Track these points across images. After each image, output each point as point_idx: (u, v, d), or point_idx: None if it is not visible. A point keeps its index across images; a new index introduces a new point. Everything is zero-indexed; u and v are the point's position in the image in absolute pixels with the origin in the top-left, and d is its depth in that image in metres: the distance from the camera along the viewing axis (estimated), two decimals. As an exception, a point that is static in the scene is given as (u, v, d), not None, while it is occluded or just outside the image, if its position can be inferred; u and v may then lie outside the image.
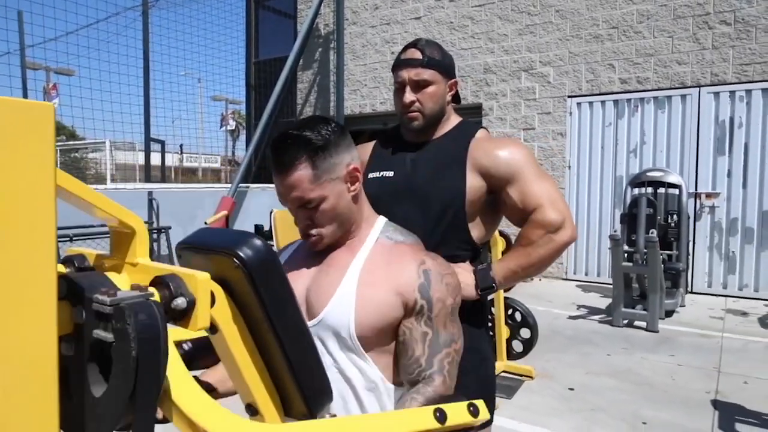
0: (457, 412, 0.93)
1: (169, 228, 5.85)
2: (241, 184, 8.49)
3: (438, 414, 0.88)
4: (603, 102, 6.68)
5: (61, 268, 0.70)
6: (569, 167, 6.92)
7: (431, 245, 1.41)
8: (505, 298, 3.55)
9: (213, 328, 0.83)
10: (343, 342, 1.00)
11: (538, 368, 3.64)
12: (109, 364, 0.53)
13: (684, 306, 5.49)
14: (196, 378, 1.06)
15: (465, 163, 1.42)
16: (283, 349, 0.87)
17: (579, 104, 6.83)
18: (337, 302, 1.00)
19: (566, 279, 6.99)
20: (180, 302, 0.63)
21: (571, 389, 3.34)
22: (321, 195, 1.02)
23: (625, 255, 4.92)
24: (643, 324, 4.70)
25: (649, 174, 5.60)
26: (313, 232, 1.05)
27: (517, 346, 3.62)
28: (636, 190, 5.60)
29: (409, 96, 1.45)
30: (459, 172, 1.42)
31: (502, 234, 3.53)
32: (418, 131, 1.50)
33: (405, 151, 1.53)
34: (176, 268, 0.67)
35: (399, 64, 1.48)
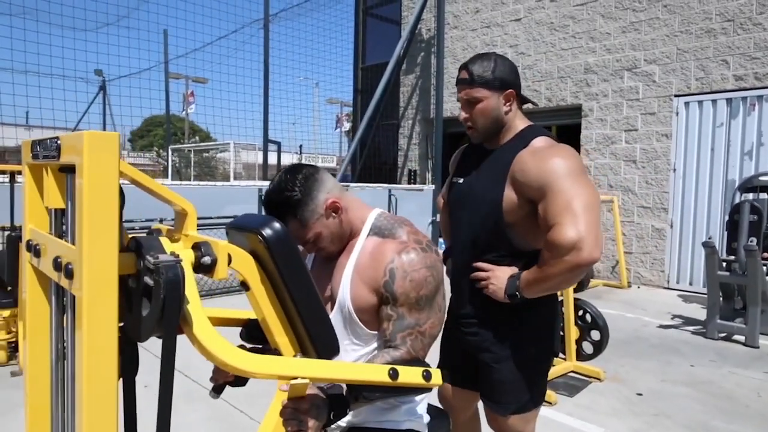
0: (411, 374, 1.19)
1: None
2: (341, 183, 9.05)
3: (391, 372, 1.16)
4: (714, 101, 6.24)
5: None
6: (674, 170, 6.55)
7: (479, 249, 1.61)
8: (576, 299, 3.59)
9: (245, 286, 1.17)
10: (349, 316, 1.34)
11: (611, 372, 3.63)
12: (151, 298, 0.87)
13: (800, 323, 5.00)
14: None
15: (507, 175, 1.52)
16: (297, 307, 1.17)
17: (687, 104, 6.44)
18: (343, 290, 1.34)
19: (668, 288, 6.63)
20: (206, 260, 0.96)
21: (639, 394, 3.31)
22: (314, 233, 1.33)
23: (725, 264, 4.64)
24: (742, 338, 4.41)
25: (762, 178, 5.17)
26: (322, 253, 1.40)
27: (588, 347, 3.64)
28: (750, 196, 5.19)
29: (462, 114, 1.62)
30: (501, 182, 1.53)
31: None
32: (480, 143, 1.66)
33: (477, 158, 1.66)
34: (208, 238, 1.00)
35: (456, 85, 1.64)
